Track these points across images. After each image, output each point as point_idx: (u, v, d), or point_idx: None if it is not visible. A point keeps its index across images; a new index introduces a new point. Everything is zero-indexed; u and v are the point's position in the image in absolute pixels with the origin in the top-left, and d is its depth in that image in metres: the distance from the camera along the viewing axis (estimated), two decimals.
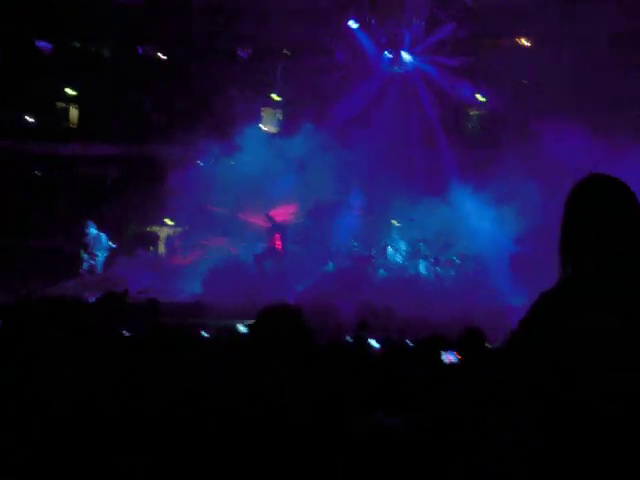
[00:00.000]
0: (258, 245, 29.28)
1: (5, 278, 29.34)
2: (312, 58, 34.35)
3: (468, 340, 9.03)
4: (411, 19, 33.58)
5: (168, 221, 35.98)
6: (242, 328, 15.63)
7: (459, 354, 7.94)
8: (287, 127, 35.87)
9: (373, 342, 13.99)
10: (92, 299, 25.93)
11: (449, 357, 7.77)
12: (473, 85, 33.83)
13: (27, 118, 38.69)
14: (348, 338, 17.25)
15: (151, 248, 34.47)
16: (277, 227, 28.40)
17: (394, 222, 30.90)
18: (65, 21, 37.63)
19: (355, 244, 29.61)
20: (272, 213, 29.00)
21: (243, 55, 38.63)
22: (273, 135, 35.07)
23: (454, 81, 33.46)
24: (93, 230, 27.56)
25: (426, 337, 8.26)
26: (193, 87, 35.87)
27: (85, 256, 27.35)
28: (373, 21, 34.32)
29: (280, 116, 38.67)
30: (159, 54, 38.54)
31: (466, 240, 29.04)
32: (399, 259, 29.62)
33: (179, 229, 35.24)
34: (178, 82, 35.93)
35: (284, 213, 29.53)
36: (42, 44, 39.27)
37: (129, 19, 37.29)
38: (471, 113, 36.50)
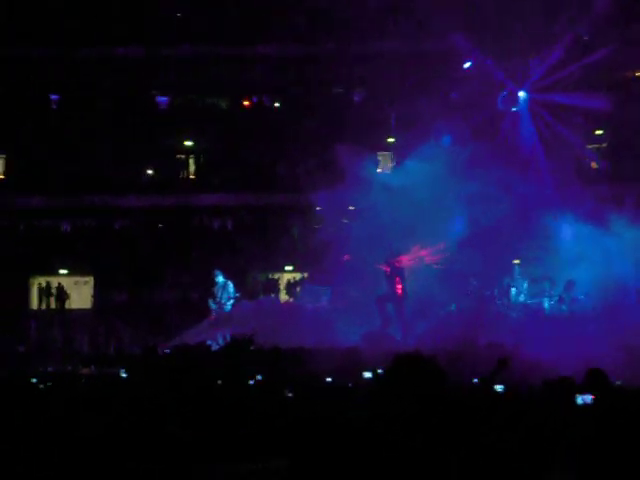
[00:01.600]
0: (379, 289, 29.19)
1: (138, 330, 30.05)
2: (427, 101, 34.34)
3: (594, 381, 8.88)
4: (528, 59, 33.42)
5: (288, 267, 36.36)
6: (367, 374, 15.56)
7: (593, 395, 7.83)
8: (399, 169, 36.01)
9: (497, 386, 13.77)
10: (219, 341, 26.33)
11: (585, 399, 7.65)
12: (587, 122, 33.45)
13: (149, 171, 39.61)
14: (475, 380, 17.08)
15: (272, 294, 34.74)
16: (396, 271, 28.32)
17: (516, 261, 30.50)
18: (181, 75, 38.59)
19: (474, 283, 29.28)
20: (398, 258, 28.85)
21: (357, 99, 38.95)
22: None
23: (569, 118, 33.09)
24: (221, 279, 27.88)
25: (554, 379, 8.14)
26: (308, 135, 36.25)
27: (213, 305, 27.65)
28: (488, 61, 34.21)
29: (394, 159, 38.76)
30: (275, 104, 39.14)
31: (589, 277, 28.48)
32: (522, 298, 29.22)
33: (299, 275, 35.52)
34: (293, 130, 36.35)
35: (410, 257, 29.36)
36: (161, 99, 40.27)
37: (241, 70, 38.05)
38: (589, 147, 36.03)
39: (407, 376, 4.27)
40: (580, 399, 7.67)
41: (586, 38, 34.88)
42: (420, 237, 29.44)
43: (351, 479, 4.09)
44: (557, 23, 33.31)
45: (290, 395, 9.53)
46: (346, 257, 29.22)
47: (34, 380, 15.73)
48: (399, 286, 27.88)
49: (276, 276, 36.84)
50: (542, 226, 29.60)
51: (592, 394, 7.81)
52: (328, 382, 16.80)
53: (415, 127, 33.75)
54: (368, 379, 14.83)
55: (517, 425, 6.98)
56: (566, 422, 6.51)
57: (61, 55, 37.72)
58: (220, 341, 26.42)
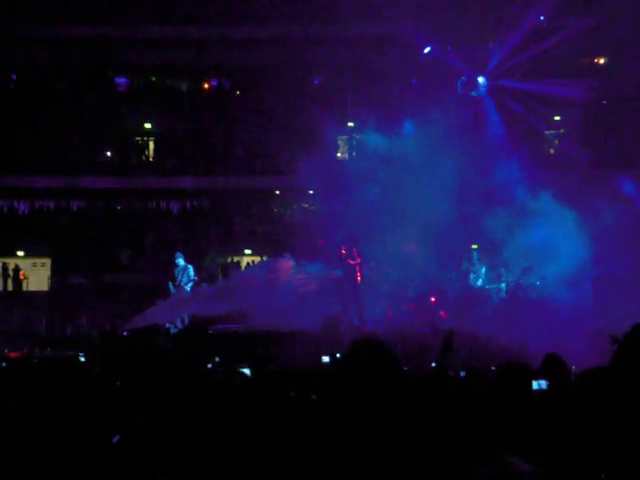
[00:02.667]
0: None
1: (96, 312, 29.91)
2: (385, 84, 34.44)
3: (552, 366, 8.96)
4: (488, 44, 33.60)
5: (247, 251, 36.33)
6: (325, 358, 15.58)
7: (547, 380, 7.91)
8: (360, 154, 36.05)
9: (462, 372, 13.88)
10: (178, 324, 26.33)
11: (540, 384, 7.71)
12: (548, 107, 33.66)
13: (107, 153, 39.41)
14: (433, 364, 17.21)
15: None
16: (356, 257, 28.41)
17: (474, 246, 30.69)
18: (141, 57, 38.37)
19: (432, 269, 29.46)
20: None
21: (316, 82, 38.95)
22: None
23: (529, 104, 33.33)
24: (181, 262, 27.77)
25: (511, 364, 8.19)
26: (268, 119, 36.22)
27: (172, 288, 27.55)
28: (449, 47, 34.36)
29: (355, 143, 38.82)
30: (235, 87, 39.05)
31: (547, 263, 28.69)
32: (480, 283, 29.44)
33: (258, 258, 35.50)
34: (254, 114, 36.26)
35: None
36: (120, 80, 40.05)
37: (202, 53, 37.90)
38: (547, 133, 36.30)
39: (364, 361, 4.30)
40: (536, 384, 7.74)
41: (545, 24, 35.11)
42: (380, 222, 29.55)
43: (315, 467, 4.12)
44: (517, 7, 33.47)
45: (247, 379, 9.56)
46: (320, 242, 29.28)
47: None
48: (358, 270, 27.98)
49: (235, 259, 36.84)
50: (503, 211, 29.77)
51: (547, 379, 7.90)
52: (286, 366, 16.87)
53: (375, 112, 33.86)
54: (326, 363, 14.86)
55: (471, 411, 7.03)
56: (521, 408, 6.56)
57: (18, 34, 37.34)
58: (179, 324, 26.42)
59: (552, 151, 36.18)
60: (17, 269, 36.65)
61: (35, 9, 37.35)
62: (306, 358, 17.67)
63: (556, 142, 36.15)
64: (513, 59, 33.82)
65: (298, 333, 24.72)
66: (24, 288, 36.35)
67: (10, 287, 36.60)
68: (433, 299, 28.45)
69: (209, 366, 13.33)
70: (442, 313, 27.50)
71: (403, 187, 29.89)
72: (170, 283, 27.44)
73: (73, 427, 5.40)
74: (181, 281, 27.40)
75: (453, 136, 31.23)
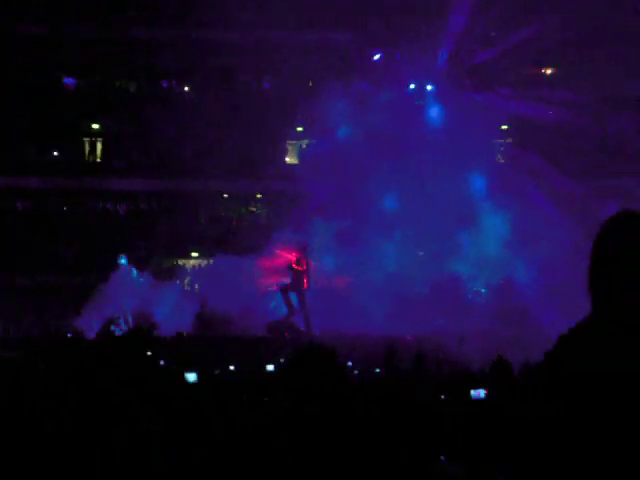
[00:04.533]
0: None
1: (42, 314, 29.71)
2: (335, 91, 34.57)
3: (495, 374, 9.10)
4: (435, 51, 33.84)
5: (194, 254, 36.24)
6: (270, 367, 15.62)
7: (486, 389, 8.01)
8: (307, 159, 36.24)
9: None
10: (122, 326, 26.30)
11: (478, 394, 7.81)
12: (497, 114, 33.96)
13: (54, 153, 39.09)
14: (377, 370, 17.34)
15: (177, 281, 34.64)
16: (303, 262, 28.55)
17: (420, 254, 30.95)
18: (90, 57, 38.13)
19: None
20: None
21: (266, 86, 38.98)
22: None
23: (476, 111, 33.55)
24: (124, 264, 27.68)
25: (454, 373, 8.32)
26: (218, 122, 36.14)
27: None
28: (398, 54, 34.61)
29: (304, 147, 38.93)
30: (185, 89, 38.97)
31: (493, 269, 29.05)
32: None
33: (205, 261, 35.44)
34: (203, 117, 36.19)
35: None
36: (68, 80, 39.74)
37: (151, 54, 37.77)
38: (497, 141, 36.60)
39: (307, 371, 4.37)
40: (474, 394, 7.85)
41: (493, 34, 35.47)
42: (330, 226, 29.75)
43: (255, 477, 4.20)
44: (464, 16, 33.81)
45: (192, 383, 9.58)
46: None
47: None
48: (305, 277, 28.14)
49: (181, 262, 36.72)
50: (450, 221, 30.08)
51: (486, 388, 8.02)
52: (232, 371, 16.90)
53: (325, 117, 34.02)
54: (270, 372, 14.90)
55: (408, 418, 7.15)
56: (458, 417, 6.68)
57: None
58: (123, 325, 26.36)
59: (501, 160, 36.53)
60: None
61: None
62: (251, 362, 17.77)
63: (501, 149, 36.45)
64: (461, 67, 34.16)
65: (245, 337, 24.82)
66: None
67: None
68: None
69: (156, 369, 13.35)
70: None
71: (351, 193, 30.13)
72: None
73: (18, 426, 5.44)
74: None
75: (400, 142, 31.54)
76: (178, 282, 33.28)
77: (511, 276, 28.78)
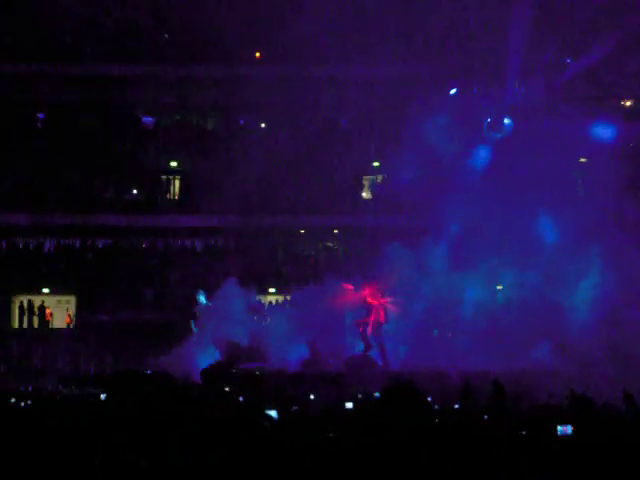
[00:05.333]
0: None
1: (121, 351, 29.93)
2: (412, 125, 34.48)
3: (578, 410, 8.89)
4: (513, 85, 33.58)
5: (272, 290, 36.26)
6: (349, 405, 15.41)
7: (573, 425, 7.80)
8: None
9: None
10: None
11: (565, 430, 7.61)
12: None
13: (133, 192, 39.54)
14: (456, 405, 17.08)
15: (255, 318, 34.64)
16: (380, 297, 28.41)
17: (499, 287, 30.61)
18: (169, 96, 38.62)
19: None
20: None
21: (343, 122, 39.05)
22: None
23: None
24: (203, 300, 27.76)
25: (539, 407, 8.15)
26: (295, 158, 36.29)
27: (195, 328, 27.51)
28: (474, 88, 34.42)
29: (379, 182, 38.91)
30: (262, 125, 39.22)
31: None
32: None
33: (281, 298, 35.48)
34: (280, 152, 36.36)
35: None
36: (146, 119, 40.27)
37: (228, 91, 38.09)
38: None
39: (398, 408, 4.31)
40: (560, 429, 7.63)
41: (569, 61, 35.11)
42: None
43: None
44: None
45: (273, 421, 9.51)
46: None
47: (13, 400, 15.67)
48: (381, 311, 28.00)
49: (260, 298, 36.76)
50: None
51: (573, 425, 7.80)
52: (310, 408, 16.77)
53: (400, 153, 33.97)
54: (350, 409, 14.69)
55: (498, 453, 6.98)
56: (546, 453, 6.49)
57: (48, 72, 37.69)
58: None
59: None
60: (43, 307, 36.75)
61: (65, 46, 37.75)
62: (330, 399, 17.62)
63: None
64: (537, 99, 33.80)
65: (322, 373, 24.69)
66: (49, 325, 36.47)
67: (35, 324, 36.68)
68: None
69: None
70: None
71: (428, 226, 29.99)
72: (192, 322, 27.45)
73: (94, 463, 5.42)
74: (203, 320, 27.41)
75: (479, 178, 31.32)
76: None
77: (618, 309, 27.96)
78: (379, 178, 39.15)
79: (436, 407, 17.09)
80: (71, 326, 36.48)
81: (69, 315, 36.76)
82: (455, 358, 25.67)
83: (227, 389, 18.66)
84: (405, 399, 4.31)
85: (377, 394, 16.07)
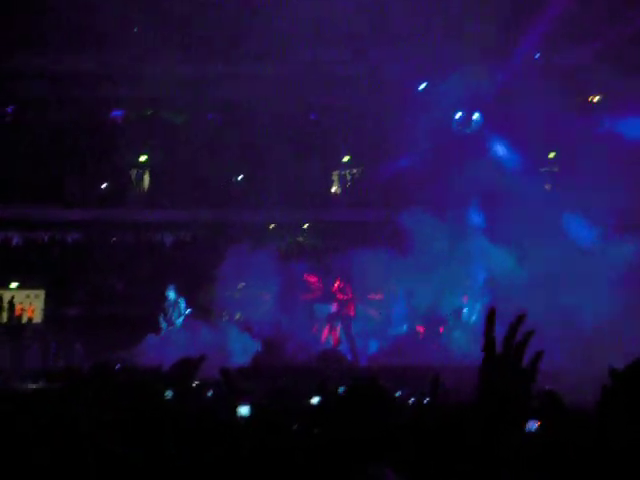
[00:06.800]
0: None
1: (88, 345, 29.79)
2: (379, 122, 34.59)
3: (548, 405, 8.90)
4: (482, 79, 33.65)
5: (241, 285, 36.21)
6: (314, 400, 15.41)
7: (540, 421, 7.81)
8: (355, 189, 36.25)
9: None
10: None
11: (530, 425, 7.62)
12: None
13: (102, 186, 39.43)
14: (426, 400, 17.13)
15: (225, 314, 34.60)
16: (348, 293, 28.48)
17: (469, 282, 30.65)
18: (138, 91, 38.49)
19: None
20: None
21: (312, 117, 39.07)
22: None
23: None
24: (172, 295, 27.72)
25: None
26: (263, 153, 36.28)
27: (163, 322, 27.48)
28: (444, 84, 34.52)
29: (349, 177, 38.97)
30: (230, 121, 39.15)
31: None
32: (474, 319, 29.29)
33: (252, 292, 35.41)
34: (249, 148, 36.37)
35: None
36: (115, 113, 40.17)
37: (199, 88, 38.06)
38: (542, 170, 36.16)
39: (362, 404, 4.31)
40: (529, 425, 7.64)
41: (537, 56, 35.18)
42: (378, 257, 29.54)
43: None
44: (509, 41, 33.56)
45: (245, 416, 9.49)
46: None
47: None
48: (351, 306, 28.09)
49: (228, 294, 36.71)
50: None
51: (539, 420, 7.83)
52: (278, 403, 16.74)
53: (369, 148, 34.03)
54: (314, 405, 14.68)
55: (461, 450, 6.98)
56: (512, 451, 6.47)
57: (17, 67, 37.51)
58: None
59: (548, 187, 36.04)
60: (12, 302, 36.56)
61: (33, 41, 37.51)
62: (299, 393, 17.63)
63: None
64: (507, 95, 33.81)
65: (293, 368, 24.70)
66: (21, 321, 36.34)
67: (4, 319, 36.50)
68: (422, 329, 28.47)
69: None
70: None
71: (398, 223, 29.94)
72: (161, 317, 27.38)
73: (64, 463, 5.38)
74: (172, 315, 27.36)
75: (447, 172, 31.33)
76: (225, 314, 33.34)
77: None
78: (349, 172, 39.22)
79: (412, 400, 17.11)
80: (39, 320, 36.30)
81: (32, 310, 36.53)
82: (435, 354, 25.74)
83: (196, 383, 18.56)
84: (368, 394, 4.30)
85: (341, 389, 16.05)
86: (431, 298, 29.51)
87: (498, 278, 28.55)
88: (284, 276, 29.67)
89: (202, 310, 30.64)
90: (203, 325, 28.40)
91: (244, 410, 9.52)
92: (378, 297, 29.22)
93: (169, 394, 11.11)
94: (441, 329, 28.59)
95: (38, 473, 5.33)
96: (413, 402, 16.87)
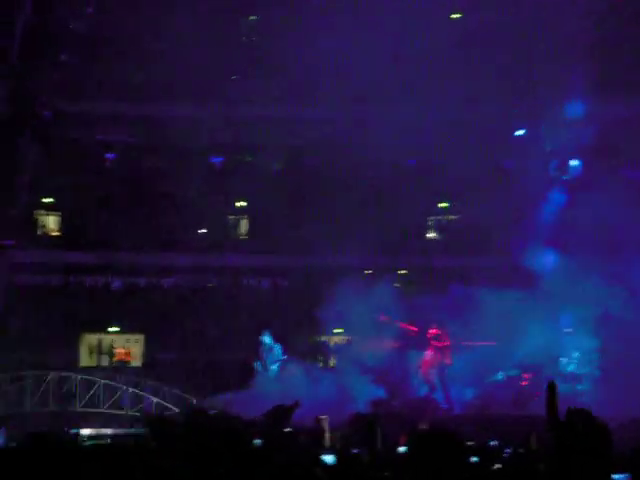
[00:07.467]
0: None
1: (186, 389, 30.05)
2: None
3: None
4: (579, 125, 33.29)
5: (337, 331, 36.18)
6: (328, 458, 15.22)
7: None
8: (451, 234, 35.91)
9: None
10: None
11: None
12: None
13: (201, 231, 39.88)
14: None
15: (320, 359, 34.59)
16: (444, 339, 28.23)
17: (567, 330, 30.04)
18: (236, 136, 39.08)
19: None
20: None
21: (409, 162, 38.95)
22: None
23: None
24: (268, 341, 27.81)
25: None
26: (361, 199, 36.36)
27: (259, 367, 27.56)
28: (542, 128, 34.27)
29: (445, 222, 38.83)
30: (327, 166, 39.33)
31: None
32: (572, 368, 28.70)
33: (346, 338, 35.36)
34: (346, 193, 36.49)
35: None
36: (215, 159, 40.74)
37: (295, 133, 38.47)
38: None
39: (428, 454, 4.28)
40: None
41: None
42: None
43: None
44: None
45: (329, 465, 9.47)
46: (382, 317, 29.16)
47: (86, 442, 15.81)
48: (446, 352, 27.84)
49: (324, 339, 36.70)
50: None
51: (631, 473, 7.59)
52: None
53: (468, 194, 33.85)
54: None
55: None
56: None
57: (116, 112, 38.43)
58: None
59: None
60: (112, 346, 37.15)
61: (133, 88, 38.44)
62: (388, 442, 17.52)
63: None
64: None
65: (385, 415, 24.50)
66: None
67: (106, 363, 37.09)
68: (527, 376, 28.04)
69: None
70: (537, 393, 27.03)
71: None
72: (257, 362, 27.47)
73: None
74: (267, 360, 27.43)
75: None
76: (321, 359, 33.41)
77: None
78: (446, 218, 39.11)
79: (507, 451, 16.76)
80: (139, 364, 36.82)
81: (129, 353, 37.08)
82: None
83: (289, 430, 18.63)
84: (437, 444, 4.26)
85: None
86: (530, 345, 29.08)
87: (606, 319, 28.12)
88: (379, 322, 29.56)
89: (299, 355, 30.64)
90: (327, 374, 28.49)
91: (329, 459, 9.51)
92: (473, 344, 28.91)
93: (258, 442, 11.15)
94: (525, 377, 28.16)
95: None
96: (508, 452, 16.63)
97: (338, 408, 25.22)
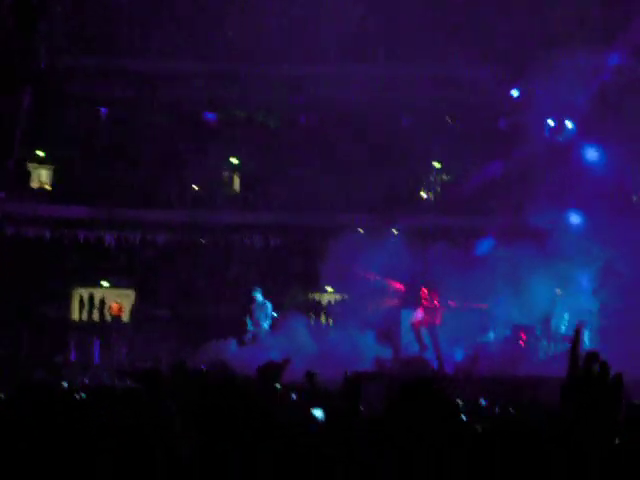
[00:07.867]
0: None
1: (176, 346, 30.09)
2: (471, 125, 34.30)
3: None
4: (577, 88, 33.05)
5: (329, 289, 36.20)
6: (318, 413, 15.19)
7: None
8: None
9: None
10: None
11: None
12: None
13: (194, 188, 39.80)
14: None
15: (312, 316, 34.60)
16: (435, 299, 28.16)
17: (558, 290, 30.05)
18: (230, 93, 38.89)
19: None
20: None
21: (404, 123, 38.86)
22: None
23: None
24: (259, 298, 27.78)
25: None
26: (354, 158, 36.26)
27: (250, 324, 27.54)
28: (537, 90, 34.02)
29: (439, 182, 38.74)
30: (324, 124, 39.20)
31: None
32: (562, 330, 28.74)
33: (339, 296, 35.40)
34: (340, 152, 36.39)
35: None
36: (208, 115, 40.55)
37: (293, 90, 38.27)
38: None
39: (416, 408, 4.24)
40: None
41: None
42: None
43: None
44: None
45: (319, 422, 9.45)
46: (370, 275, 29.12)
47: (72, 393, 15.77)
48: (438, 313, 27.81)
49: (316, 297, 36.76)
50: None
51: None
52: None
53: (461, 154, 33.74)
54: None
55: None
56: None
57: (110, 69, 38.22)
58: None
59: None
60: (103, 301, 37.15)
61: (127, 44, 38.18)
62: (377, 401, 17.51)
63: None
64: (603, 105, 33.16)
65: (375, 374, 24.54)
66: (107, 319, 36.93)
67: (95, 317, 37.11)
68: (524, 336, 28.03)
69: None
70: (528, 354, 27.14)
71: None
72: (248, 319, 27.47)
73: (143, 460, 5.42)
74: (258, 317, 27.43)
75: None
76: (313, 317, 33.41)
77: None
78: (440, 178, 39.03)
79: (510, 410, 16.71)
80: (127, 320, 36.85)
81: (121, 308, 37.10)
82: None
83: (278, 386, 18.59)
84: (425, 398, 4.21)
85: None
86: (520, 306, 29.11)
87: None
88: (371, 281, 29.54)
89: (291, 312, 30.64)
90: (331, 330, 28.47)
91: (318, 413, 9.49)
92: (464, 305, 28.89)
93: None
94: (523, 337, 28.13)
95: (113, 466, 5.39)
96: (498, 411, 16.68)
97: (347, 365, 25.31)
